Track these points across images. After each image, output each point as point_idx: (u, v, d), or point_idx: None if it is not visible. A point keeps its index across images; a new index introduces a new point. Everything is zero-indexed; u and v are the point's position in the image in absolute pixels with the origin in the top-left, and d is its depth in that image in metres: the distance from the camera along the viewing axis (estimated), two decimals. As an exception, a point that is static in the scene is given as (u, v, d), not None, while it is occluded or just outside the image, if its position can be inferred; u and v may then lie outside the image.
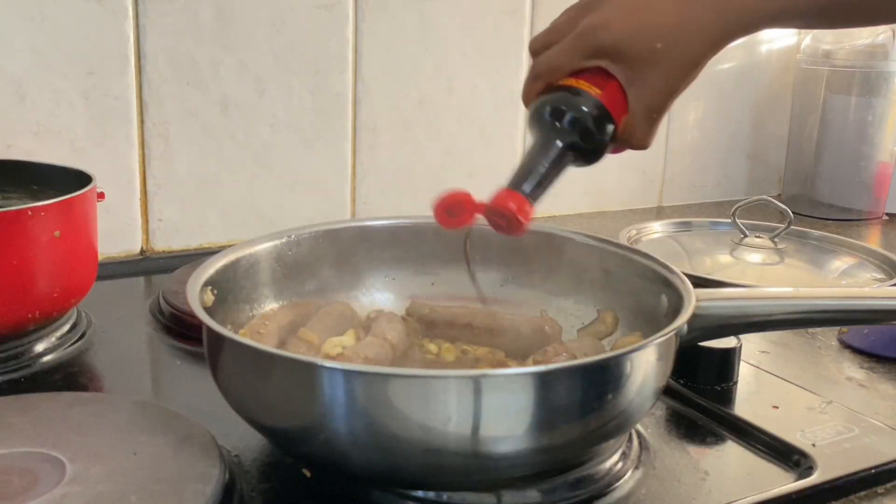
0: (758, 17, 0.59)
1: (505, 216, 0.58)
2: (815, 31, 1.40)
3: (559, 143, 0.59)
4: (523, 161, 0.60)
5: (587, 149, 0.60)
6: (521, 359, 0.65)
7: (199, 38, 0.99)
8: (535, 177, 0.59)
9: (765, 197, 1.11)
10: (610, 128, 0.60)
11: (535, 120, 0.61)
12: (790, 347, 0.81)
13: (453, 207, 0.59)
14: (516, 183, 0.59)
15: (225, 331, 0.53)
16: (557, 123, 0.59)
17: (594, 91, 0.59)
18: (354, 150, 1.11)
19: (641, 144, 0.62)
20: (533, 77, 0.62)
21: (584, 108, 0.59)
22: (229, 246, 0.67)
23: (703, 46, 0.59)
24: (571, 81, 0.60)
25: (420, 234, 0.74)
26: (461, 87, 1.16)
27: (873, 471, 0.59)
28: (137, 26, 0.96)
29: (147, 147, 0.99)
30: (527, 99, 0.62)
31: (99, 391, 0.71)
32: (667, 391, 0.67)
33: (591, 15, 0.59)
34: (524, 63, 1.20)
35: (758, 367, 0.75)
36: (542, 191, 0.59)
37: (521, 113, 1.21)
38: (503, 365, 0.65)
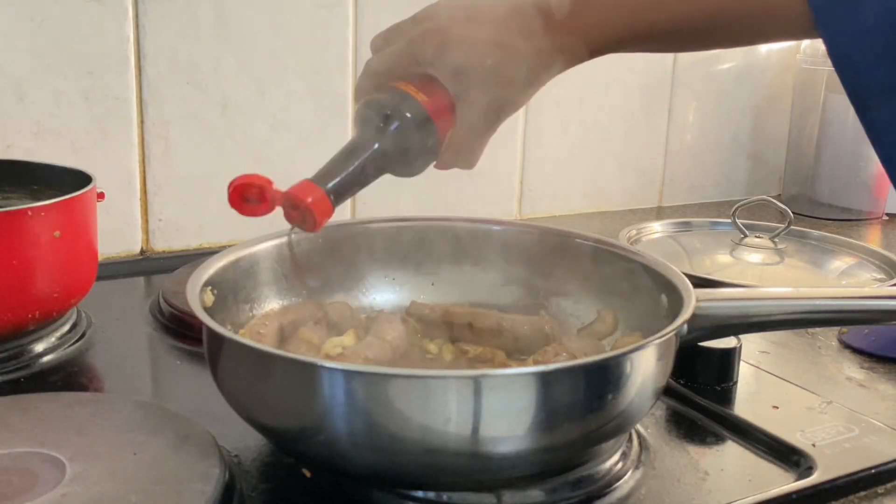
0: (603, 43, 0.57)
1: (300, 209, 0.55)
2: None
3: (375, 146, 0.57)
4: (335, 156, 0.58)
5: (405, 156, 0.58)
6: (521, 359, 0.65)
7: (199, 38, 0.99)
8: (342, 175, 0.57)
9: (765, 197, 1.11)
10: (432, 138, 0.58)
11: (359, 118, 0.59)
12: (790, 347, 0.81)
13: (250, 193, 0.57)
14: (321, 177, 0.56)
15: (225, 331, 0.53)
16: (378, 124, 0.58)
17: (420, 97, 0.57)
18: (354, 150, 1.11)
19: (465, 163, 0.60)
20: (365, 75, 0.60)
21: (407, 114, 0.57)
22: (229, 246, 0.67)
23: (541, 70, 0.57)
24: (401, 85, 0.58)
25: (420, 234, 0.74)
26: (461, 87, 1.16)
27: (873, 471, 0.59)
28: (137, 26, 0.96)
29: (147, 147, 0.99)
30: (357, 96, 0.61)
31: (99, 391, 0.71)
32: (667, 391, 0.67)
33: (432, 21, 0.58)
34: (524, 63, 1.20)
35: (758, 367, 0.75)
36: (347, 191, 0.57)
37: (521, 113, 1.21)
38: (503, 365, 0.65)
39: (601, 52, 0.58)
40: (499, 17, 0.57)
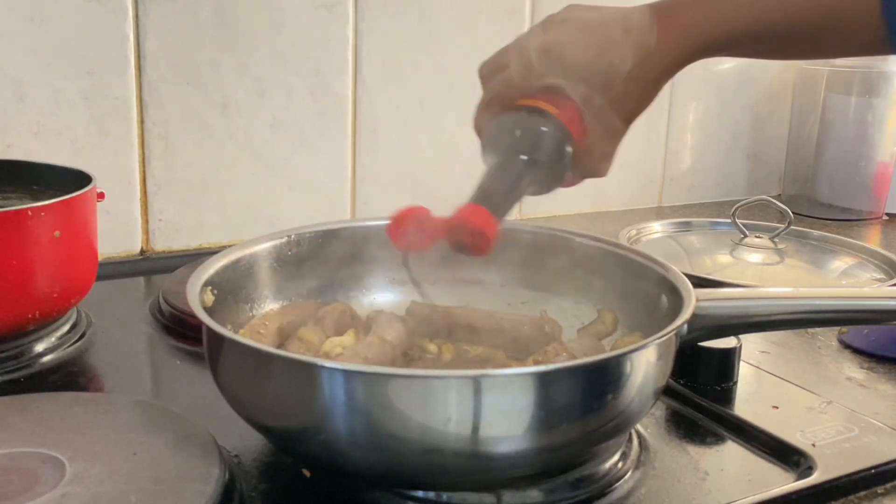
0: (717, 41, 0.59)
1: (470, 232, 0.54)
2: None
3: (522, 160, 0.57)
4: (484, 179, 0.58)
5: (547, 169, 0.59)
6: (521, 359, 0.65)
7: (199, 38, 0.99)
8: (498, 194, 0.56)
9: (765, 197, 1.11)
10: (569, 149, 0.59)
11: (494, 140, 0.59)
12: (790, 347, 0.81)
13: (411, 226, 0.55)
14: (480, 198, 0.56)
15: (225, 331, 0.53)
16: (519, 142, 0.58)
17: (552, 109, 0.58)
18: (354, 150, 1.11)
19: (598, 168, 0.61)
20: (487, 100, 0.61)
21: (544, 128, 0.58)
22: (229, 246, 0.67)
23: (663, 68, 0.59)
24: (529, 101, 0.59)
25: (420, 234, 0.74)
26: (461, 87, 1.16)
27: (873, 471, 0.59)
28: (137, 26, 0.96)
29: (147, 147, 0.99)
30: (480, 122, 0.61)
31: (99, 391, 0.71)
32: (667, 391, 0.67)
33: (547, 35, 0.59)
34: (524, 63, 1.20)
35: (758, 367, 0.75)
36: (506, 209, 0.57)
37: (521, 113, 1.21)
38: (503, 365, 0.65)
39: (719, 50, 0.60)
40: (616, 21, 0.58)
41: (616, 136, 0.60)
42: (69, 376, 0.71)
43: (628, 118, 0.60)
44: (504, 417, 0.48)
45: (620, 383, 0.51)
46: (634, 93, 0.59)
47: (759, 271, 1.05)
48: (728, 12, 0.59)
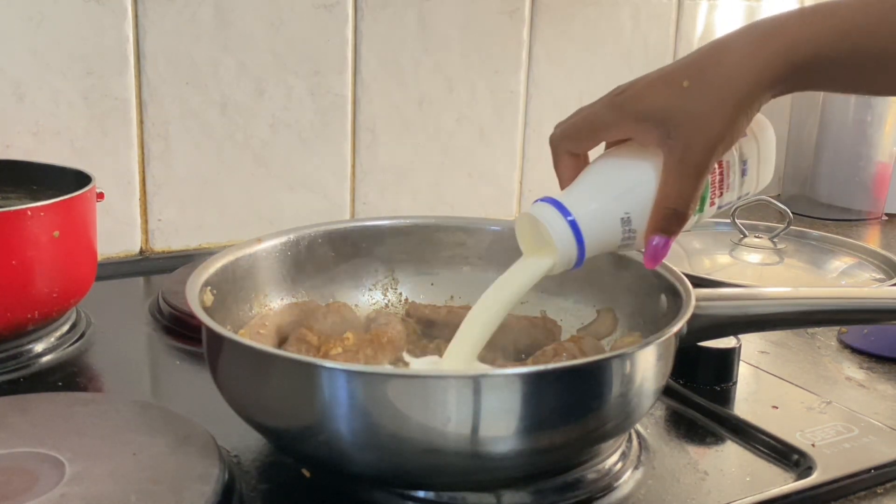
0: (804, 59, 0.53)
1: None
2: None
3: None
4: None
5: None
6: (522, 359, 0.65)
7: (198, 38, 0.99)
8: None
9: (764, 197, 1.11)
10: None
11: None
12: (790, 347, 0.81)
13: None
14: None
15: (225, 331, 0.53)
16: None
17: None
18: (354, 150, 1.11)
19: (677, 202, 0.55)
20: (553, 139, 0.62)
21: None
22: (229, 246, 0.67)
23: (744, 90, 0.53)
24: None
25: (420, 233, 0.74)
26: (461, 87, 1.16)
27: (873, 471, 0.59)
28: (137, 26, 0.96)
29: (147, 147, 0.99)
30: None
31: (98, 391, 0.71)
32: (666, 391, 0.67)
33: (619, 89, 0.57)
34: (523, 63, 1.20)
35: (757, 367, 0.75)
36: None
37: (520, 113, 1.21)
38: (503, 365, 0.65)
39: (795, 84, 0.54)
40: (682, 62, 0.55)
41: (694, 168, 0.54)
42: (68, 377, 0.71)
43: (707, 146, 0.53)
44: (504, 417, 0.48)
45: (620, 383, 0.51)
46: (713, 117, 0.53)
47: (759, 271, 1.05)
48: (816, 30, 0.53)
